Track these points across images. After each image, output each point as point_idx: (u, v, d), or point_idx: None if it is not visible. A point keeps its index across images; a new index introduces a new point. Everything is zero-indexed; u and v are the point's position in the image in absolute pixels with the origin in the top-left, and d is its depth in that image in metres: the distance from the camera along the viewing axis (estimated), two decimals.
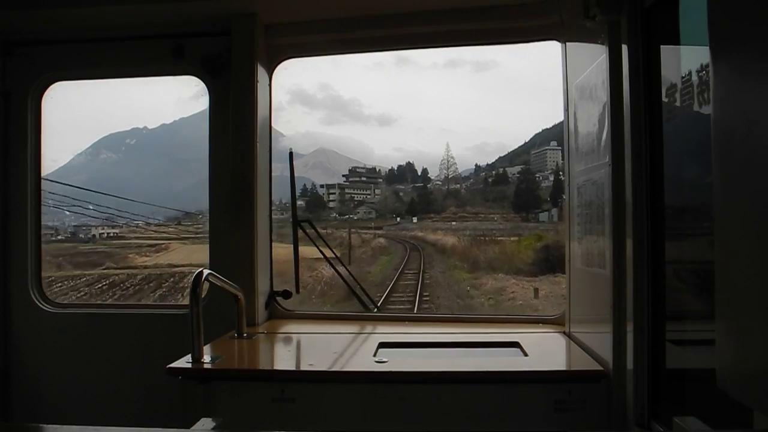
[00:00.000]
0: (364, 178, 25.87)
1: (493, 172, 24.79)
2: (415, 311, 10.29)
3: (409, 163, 27.27)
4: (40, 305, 3.07)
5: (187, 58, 2.95)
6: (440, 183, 25.54)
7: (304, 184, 24.15)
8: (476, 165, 26.45)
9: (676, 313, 1.85)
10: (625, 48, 1.88)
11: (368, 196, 25.33)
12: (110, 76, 3.30)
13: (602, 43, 2.01)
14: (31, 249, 3.08)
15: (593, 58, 2.16)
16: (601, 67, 2.05)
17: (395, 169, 26.66)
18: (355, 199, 25.11)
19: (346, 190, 25.15)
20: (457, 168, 26.01)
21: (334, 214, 24.42)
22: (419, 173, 25.72)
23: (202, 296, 2.20)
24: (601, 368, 2.04)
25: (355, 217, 24.03)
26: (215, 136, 2.98)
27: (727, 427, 1.47)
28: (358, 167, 26.85)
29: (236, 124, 2.87)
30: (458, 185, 25.20)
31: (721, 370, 1.12)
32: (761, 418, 1.15)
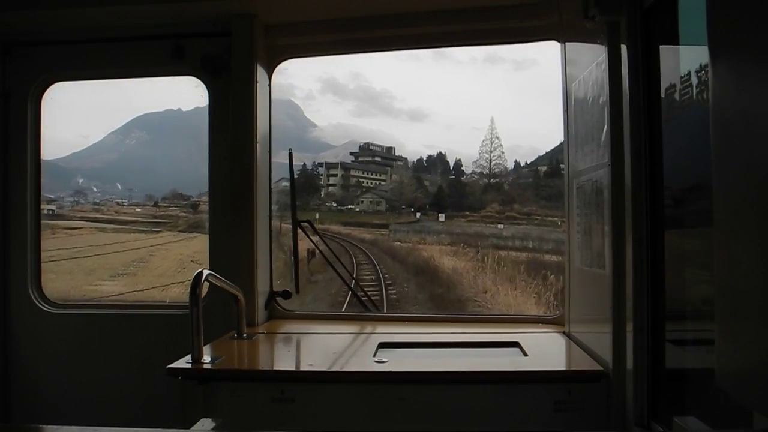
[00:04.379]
0: (378, 159, 19.44)
1: (542, 168, 18.43)
2: None
3: (440, 153, 20.29)
4: (40, 305, 3.07)
5: (187, 58, 2.95)
6: (479, 172, 18.45)
7: (304, 163, 18.74)
8: (516, 161, 20.59)
9: (676, 313, 1.85)
10: (624, 48, 1.88)
11: (382, 182, 18.79)
12: (110, 77, 3.30)
13: (601, 44, 2.01)
14: (30, 249, 3.08)
15: (593, 58, 2.16)
16: (601, 68, 2.05)
17: (424, 159, 20.08)
18: (363, 184, 18.66)
19: (352, 172, 18.83)
20: (503, 151, 18.89)
21: (332, 203, 18.01)
22: (451, 165, 19.47)
23: (202, 296, 2.20)
24: (600, 368, 2.04)
25: (357, 209, 17.67)
26: (215, 137, 2.98)
27: (727, 427, 1.47)
28: (372, 144, 20.18)
29: (236, 125, 2.87)
30: (498, 180, 18.33)
31: (720, 370, 1.12)
32: (761, 418, 1.15)
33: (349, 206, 17.82)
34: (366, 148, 19.78)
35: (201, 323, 2.15)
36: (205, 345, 2.22)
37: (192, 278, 2.17)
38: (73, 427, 1.20)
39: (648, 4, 1.80)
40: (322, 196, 18.33)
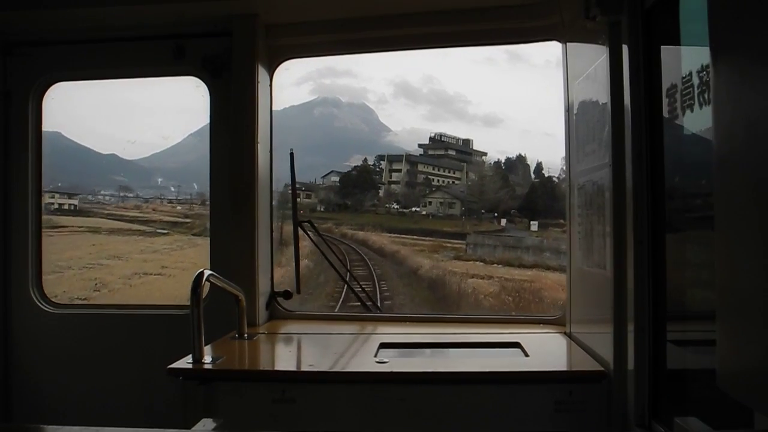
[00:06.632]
0: (452, 152, 16.06)
1: None
2: None
3: (520, 156, 16.79)
4: (41, 305, 3.07)
5: (188, 58, 2.96)
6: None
7: (365, 158, 16.11)
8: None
9: (677, 313, 1.85)
10: (625, 48, 1.88)
11: (456, 181, 15.28)
12: (111, 77, 3.30)
13: (603, 44, 2.01)
14: (31, 249, 3.08)
15: (594, 58, 2.16)
16: (602, 68, 2.05)
17: (502, 162, 16.41)
18: (434, 182, 15.27)
19: (420, 167, 15.74)
20: None
21: (392, 204, 14.60)
22: (532, 169, 15.84)
23: (203, 297, 2.20)
24: (601, 369, 2.04)
25: (423, 211, 14.30)
26: (216, 137, 2.98)
27: (728, 427, 1.47)
28: (445, 136, 16.41)
29: (237, 125, 2.87)
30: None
31: (721, 371, 1.12)
32: (762, 418, 1.15)
33: (414, 208, 14.55)
34: (438, 140, 16.12)
35: (202, 323, 2.15)
36: (205, 345, 2.21)
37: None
38: (73, 427, 1.20)
39: (649, 4, 1.80)
40: (381, 195, 15.05)
